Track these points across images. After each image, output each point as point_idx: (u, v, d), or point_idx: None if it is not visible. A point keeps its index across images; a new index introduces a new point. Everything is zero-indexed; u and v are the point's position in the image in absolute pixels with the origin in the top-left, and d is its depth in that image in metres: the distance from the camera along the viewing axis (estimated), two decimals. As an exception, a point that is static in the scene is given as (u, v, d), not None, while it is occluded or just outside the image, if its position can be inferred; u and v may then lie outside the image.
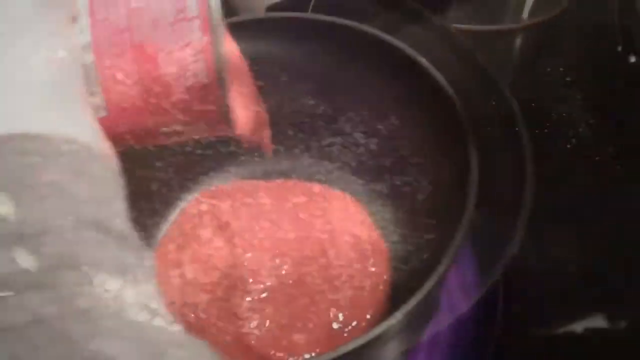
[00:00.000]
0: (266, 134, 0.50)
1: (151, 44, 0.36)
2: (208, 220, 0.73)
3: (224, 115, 0.38)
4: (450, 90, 0.55)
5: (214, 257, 0.68)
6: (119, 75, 0.36)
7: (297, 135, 0.74)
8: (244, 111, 0.44)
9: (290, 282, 0.66)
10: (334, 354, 0.44)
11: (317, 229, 0.70)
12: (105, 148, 0.35)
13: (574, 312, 0.65)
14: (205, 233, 0.71)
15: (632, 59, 0.84)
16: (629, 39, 0.85)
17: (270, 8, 0.88)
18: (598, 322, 0.64)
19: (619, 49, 0.85)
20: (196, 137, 0.41)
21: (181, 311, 0.64)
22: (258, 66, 0.60)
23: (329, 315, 0.64)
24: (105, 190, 0.34)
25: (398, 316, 0.44)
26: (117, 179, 0.35)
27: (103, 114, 0.37)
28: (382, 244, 0.70)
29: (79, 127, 0.34)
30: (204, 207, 0.74)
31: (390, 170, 0.70)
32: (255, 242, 0.69)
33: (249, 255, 0.68)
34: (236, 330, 0.63)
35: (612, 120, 0.78)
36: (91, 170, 0.33)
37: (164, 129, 0.39)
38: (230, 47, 0.44)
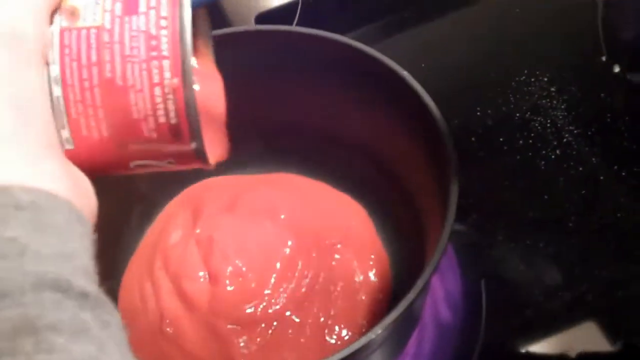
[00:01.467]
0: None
1: (121, 80, 0.35)
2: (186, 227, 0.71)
3: (198, 154, 0.37)
4: (430, 101, 0.55)
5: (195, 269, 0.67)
6: (88, 110, 0.35)
7: (274, 144, 0.74)
8: (218, 145, 0.43)
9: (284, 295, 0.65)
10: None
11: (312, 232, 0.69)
12: (77, 193, 0.34)
13: (556, 323, 0.65)
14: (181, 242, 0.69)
15: (617, 69, 0.84)
16: (613, 49, 0.86)
17: (260, 17, 0.89)
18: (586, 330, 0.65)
19: (604, 58, 0.85)
20: (168, 170, 0.40)
21: (162, 328, 0.63)
22: (242, 77, 0.61)
23: (324, 329, 0.63)
24: (71, 243, 0.31)
25: (377, 330, 0.44)
26: (85, 229, 0.33)
27: (69, 146, 0.36)
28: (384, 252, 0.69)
29: (42, 171, 0.33)
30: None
31: (371, 180, 0.70)
32: (241, 251, 0.67)
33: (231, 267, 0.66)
34: (224, 349, 0.62)
35: (596, 130, 0.78)
36: (55, 223, 0.31)
37: (134, 163, 0.38)
38: (208, 78, 0.43)
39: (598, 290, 0.67)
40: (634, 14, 0.90)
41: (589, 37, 0.88)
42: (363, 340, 0.44)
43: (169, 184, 0.73)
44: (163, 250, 0.67)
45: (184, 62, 0.35)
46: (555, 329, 0.65)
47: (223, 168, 0.71)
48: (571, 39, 0.89)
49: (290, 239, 0.67)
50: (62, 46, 0.35)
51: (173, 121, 0.35)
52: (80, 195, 0.34)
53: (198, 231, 0.68)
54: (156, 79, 0.35)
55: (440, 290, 0.68)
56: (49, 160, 0.33)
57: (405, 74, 0.57)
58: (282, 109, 0.69)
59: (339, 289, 0.64)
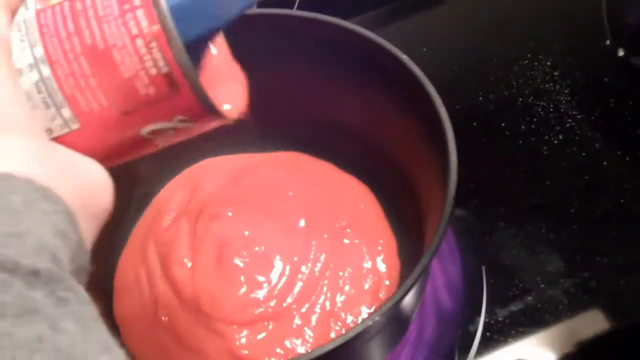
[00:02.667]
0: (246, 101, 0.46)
1: (102, 42, 0.35)
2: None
3: (205, 103, 0.36)
4: (429, 85, 0.55)
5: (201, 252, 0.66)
6: (80, 82, 0.35)
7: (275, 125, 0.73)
8: (234, 96, 0.43)
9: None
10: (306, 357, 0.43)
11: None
12: (51, 171, 0.33)
13: (558, 310, 0.65)
14: (185, 224, 0.67)
15: (621, 53, 0.84)
16: (618, 32, 0.85)
17: (262, 2, 0.88)
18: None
19: (608, 42, 0.85)
20: (188, 134, 0.39)
21: (157, 317, 0.62)
22: (241, 59, 0.61)
23: (330, 317, 0.61)
24: (27, 223, 0.30)
25: (374, 317, 0.44)
26: (55, 206, 0.32)
27: (75, 126, 0.36)
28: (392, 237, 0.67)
29: None
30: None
31: (373, 164, 0.69)
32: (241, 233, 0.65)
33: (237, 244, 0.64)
34: (225, 341, 0.60)
35: (600, 115, 0.78)
36: (9, 204, 0.30)
37: (145, 130, 0.37)
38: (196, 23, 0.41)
39: (600, 277, 0.66)
40: (638, -2, 0.90)
41: (592, 21, 0.87)
42: (358, 329, 0.43)
43: (168, 166, 0.72)
44: (156, 235, 0.66)
45: (157, 6, 0.34)
46: (558, 316, 0.64)
47: (222, 148, 0.73)
48: (575, 23, 0.88)
49: (303, 216, 0.66)
50: (40, 26, 0.36)
51: (164, 70, 0.35)
52: (61, 174, 0.34)
53: (194, 212, 0.67)
54: (135, 31, 0.34)
55: (441, 277, 0.67)
56: (7, 140, 0.33)
57: (404, 57, 0.56)
58: (281, 92, 0.68)
59: (347, 274, 0.63)
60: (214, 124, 0.40)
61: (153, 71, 0.35)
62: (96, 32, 0.35)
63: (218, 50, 0.43)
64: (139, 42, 0.34)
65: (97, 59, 0.35)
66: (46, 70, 0.35)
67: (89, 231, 0.35)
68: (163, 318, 0.61)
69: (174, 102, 0.36)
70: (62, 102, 0.36)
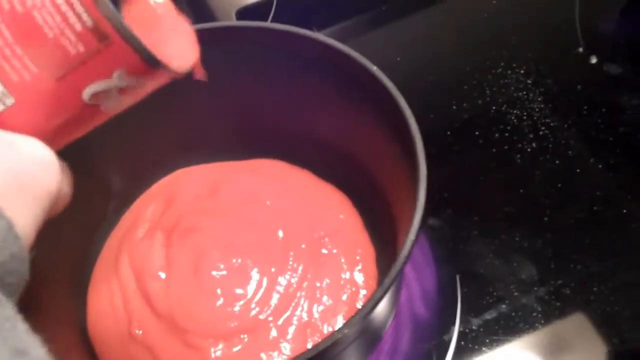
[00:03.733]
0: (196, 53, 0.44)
1: (20, 5, 0.33)
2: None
3: (141, 54, 0.34)
4: (398, 94, 0.55)
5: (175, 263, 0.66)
6: (5, 51, 0.33)
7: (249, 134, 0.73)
8: (177, 41, 0.41)
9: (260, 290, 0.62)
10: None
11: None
12: None
13: (532, 318, 0.65)
14: (159, 237, 0.67)
15: (593, 60, 0.84)
16: (590, 40, 0.86)
17: (240, 11, 0.88)
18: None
19: (580, 50, 0.85)
20: (134, 98, 0.37)
21: (130, 330, 0.61)
22: (213, 70, 0.61)
23: (307, 328, 0.61)
24: None
25: (343, 330, 0.44)
26: None
27: (10, 101, 0.34)
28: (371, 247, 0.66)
29: None
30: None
31: (347, 174, 0.69)
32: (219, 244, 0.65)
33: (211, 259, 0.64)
34: (201, 354, 0.59)
35: (573, 123, 0.78)
36: None
37: (86, 93, 0.35)
38: None
39: (574, 284, 0.66)
40: (611, 5, 0.90)
41: (565, 29, 0.88)
42: (327, 341, 0.43)
43: (142, 177, 0.72)
44: (129, 247, 0.66)
45: None
46: (532, 324, 0.64)
47: (196, 157, 0.73)
48: (548, 31, 0.89)
49: (281, 227, 0.66)
50: None
51: (89, 24, 0.33)
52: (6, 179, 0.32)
53: (169, 224, 0.66)
54: None
55: (416, 286, 0.67)
56: None
57: (374, 69, 0.56)
58: (255, 102, 0.68)
59: (324, 285, 0.62)
60: (161, 79, 0.38)
61: (78, 27, 0.33)
62: None
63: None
64: None
65: (18, 24, 0.33)
66: None
67: (29, 215, 0.34)
68: (137, 332, 0.61)
69: (107, 56, 0.34)
70: None
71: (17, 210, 0.32)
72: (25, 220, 0.33)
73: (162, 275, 0.63)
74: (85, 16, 0.33)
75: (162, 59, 0.36)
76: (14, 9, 0.33)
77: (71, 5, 0.33)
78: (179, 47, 0.40)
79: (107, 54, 0.34)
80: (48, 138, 0.35)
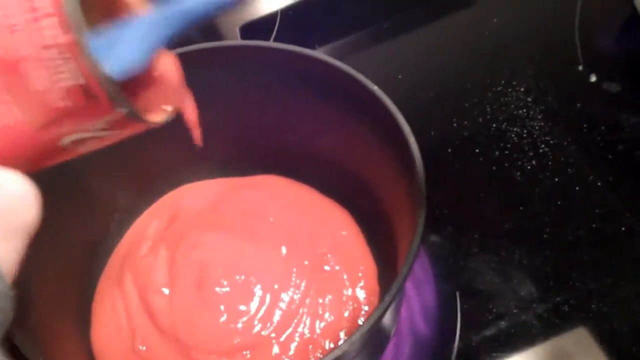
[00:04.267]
0: (192, 111, 0.43)
1: (10, 52, 0.31)
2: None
3: (127, 113, 0.34)
4: (398, 114, 0.55)
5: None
6: None
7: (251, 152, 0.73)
8: (164, 96, 0.39)
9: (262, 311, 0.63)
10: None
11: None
12: None
13: (531, 334, 0.65)
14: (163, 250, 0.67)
15: (593, 78, 0.85)
16: (590, 58, 0.87)
17: (244, 27, 0.89)
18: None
19: (580, 68, 0.86)
20: (110, 143, 0.37)
21: (134, 346, 0.61)
22: (215, 87, 0.61)
23: (309, 345, 0.61)
24: None
25: (343, 347, 0.44)
26: None
27: None
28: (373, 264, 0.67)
29: None
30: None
31: (349, 192, 0.69)
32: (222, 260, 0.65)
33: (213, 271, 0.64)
34: None
35: (572, 140, 0.79)
36: None
37: (65, 141, 0.35)
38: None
39: (573, 301, 0.67)
40: (610, 24, 0.91)
41: (565, 47, 0.89)
42: (328, 358, 0.44)
43: (146, 193, 0.73)
44: (133, 263, 0.66)
45: (67, 12, 0.31)
46: (531, 341, 0.65)
47: (200, 173, 0.73)
48: (548, 49, 0.89)
49: (284, 243, 0.66)
50: None
51: (80, 81, 0.32)
52: None
53: (172, 239, 0.67)
54: (45, 42, 0.31)
55: (417, 303, 0.68)
56: None
57: (375, 88, 0.57)
58: (256, 119, 0.69)
59: (327, 302, 0.63)
60: (139, 129, 0.37)
61: (68, 83, 0.32)
62: (5, 42, 0.31)
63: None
64: (50, 53, 0.31)
65: (4, 71, 0.32)
66: None
67: (12, 250, 0.33)
68: (140, 347, 0.61)
69: (93, 113, 0.34)
70: None
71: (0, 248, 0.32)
72: (9, 256, 0.33)
73: (166, 291, 0.63)
74: (76, 74, 0.32)
75: (148, 119, 0.36)
76: (3, 58, 0.32)
77: (64, 62, 0.32)
78: (166, 95, 0.40)
79: (94, 111, 0.33)
80: (25, 167, 0.35)
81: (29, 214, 0.34)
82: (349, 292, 0.64)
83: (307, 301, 0.63)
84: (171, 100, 0.40)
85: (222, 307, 0.62)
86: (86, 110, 0.33)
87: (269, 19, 0.90)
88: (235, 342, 0.60)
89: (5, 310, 0.31)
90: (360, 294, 0.63)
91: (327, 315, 0.62)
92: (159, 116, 0.38)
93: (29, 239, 0.35)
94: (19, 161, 0.34)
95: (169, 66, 0.39)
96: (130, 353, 0.61)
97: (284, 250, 0.66)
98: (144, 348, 0.61)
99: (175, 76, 0.40)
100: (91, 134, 0.35)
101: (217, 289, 0.63)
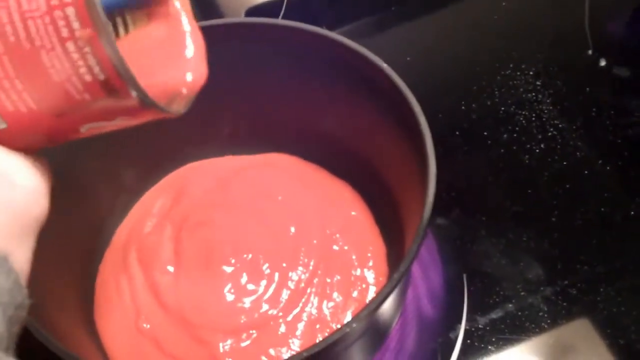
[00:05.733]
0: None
1: (27, 41, 0.30)
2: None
3: (146, 105, 0.33)
4: (408, 92, 0.55)
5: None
6: (4, 83, 0.31)
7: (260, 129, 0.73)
8: (179, 85, 0.39)
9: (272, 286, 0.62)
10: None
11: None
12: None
13: (538, 317, 0.65)
14: (167, 231, 0.66)
15: (602, 63, 0.84)
16: (600, 42, 0.86)
17: (250, 10, 0.89)
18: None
19: (590, 52, 0.85)
20: (123, 127, 0.36)
21: (138, 324, 0.61)
22: (226, 66, 0.61)
23: (316, 324, 0.60)
24: None
25: (351, 324, 0.44)
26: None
27: (2, 126, 0.32)
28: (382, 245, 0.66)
29: None
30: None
31: (357, 173, 0.69)
32: (230, 238, 0.65)
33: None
34: (209, 349, 0.59)
35: (581, 124, 0.78)
36: None
37: (83, 128, 0.34)
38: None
39: (580, 285, 0.66)
40: (620, 8, 0.90)
41: (575, 31, 0.88)
42: (335, 336, 0.43)
43: (151, 171, 0.72)
44: (137, 241, 0.66)
45: (90, 6, 0.29)
46: (538, 324, 0.64)
47: (207, 151, 0.73)
48: (557, 33, 0.89)
49: (292, 222, 0.66)
50: None
51: (100, 77, 0.31)
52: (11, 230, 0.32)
53: (178, 217, 0.66)
54: (65, 33, 0.30)
55: (423, 284, 0.67)
56: None
57: (385, 66, 0.56)
58: (267, 98, 0.68)
59: (335, 282, 0.62)
60: (157, 117, 0.36)
61: (88, 77, 0.31)
62: (20, 29, 0.30)
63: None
64: (70, 45, 0.30)
65: (22, 60, 0.31)
66: None
67: (24, 250, 0.33)
68: (145, 325, 0.61)
69: (113, 105, 0.33)
70: None
71: (15, 248, 0.32)
72: (24, 256, 0.33)
73: (171, 269, 0.63)
74: (97, 69, 0.31)
75: (168, 109, 0.35)
76: (19, 44, 0.31)
77: (84, 56, 0.30)
78: (188, 68, 0.39)
79: (114, 103, 0.32)
80: (35, 149, 0.35)
81: (40, 208, 0.34)
82: (358, 272, 0.63)
83: (315, 281, 0.62)
84: (189, 69, 0.39)
85: (229, 286, 0.62)
86: (106, 102, 0.32)
87: (276, 3, 0.89)
88: (241, 321, 0.60)
89: (21, 320, 0.31)
90: (369, 275, 0.63)
91: (335, 295, 0.62)
92: (177, 104, 0.37)
93: (38, 234, 0.35)
94: (29, 147, 0.34)
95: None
96: (134, 331, 0.61)
97: (292, 229, 0.65)
98: (149, 326, 0.60)
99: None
100: (111, 123, 0.34)
101: (224, 267, 0.62)
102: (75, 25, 0.30)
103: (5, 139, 0.33)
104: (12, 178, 0.33)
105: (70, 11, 0.30)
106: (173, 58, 0.40)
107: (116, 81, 0.31)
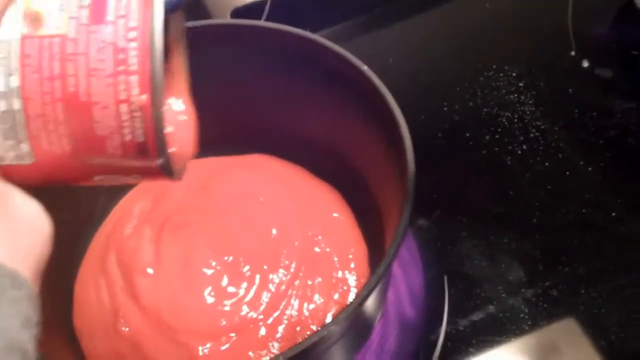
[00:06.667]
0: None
1: (85, 95, 0.33)
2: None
3: (165, 170, 0.36)
4: (389, 95, 0.55)
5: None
6: (49, 125, 0.34)
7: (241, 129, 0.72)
8: (183, 158, 0.42)
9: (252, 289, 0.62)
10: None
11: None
12: (12, 249, 0.33)
13: (519, 319, 0.65)
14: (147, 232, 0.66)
15: (585, 64, 0.85)
16: (582, 44, 0.86)
17: (235, 11, 0.89)
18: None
19: (573, 53, 0.85)
20: (132, 183, 0.40)
21: (117, 328, 0.61)
22: (208, 67, 0.61)
23: (296, 327, 0.60)
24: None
25: (329, 327, 0.44)
26: (22, 291, 0.32)
27: (30, 161, 0.35)
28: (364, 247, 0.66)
29: None
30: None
31: (338, 174, 0.69)
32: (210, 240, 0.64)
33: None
34: (188, 352, 0.59)
35: (564, 125, 0.78)
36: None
37: (97, 178, 0.37)
38: (179, 90, 0.43)
39: (561, 286, 0.67)
40: (604, 10, 0.91)
41: (558, 33, 0.88)
42: (313, 338, 0.43)
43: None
44: (117, 243, 0.65)
45: (153, 78, 0.33)
46: (519, 326, 0.64)
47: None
48: (540, 34, 0.89)
49: (274, 224, 0.65)
50: (23, 56, 0.33)
51: (139, 139, 0.34)
52: (21, 243, 0.33)
53: (158, 219, 0.66)
54: (123, 96, 0.33)
55: (404, 286, 0.67)
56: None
57: (365, 68, 0.56)
58: (245, 98, 0.68)
59: (316, 283, 0.62)
60: (159, 180, 0.39)
61: (128, 137, 0.34)
62: (82, 83, 0.33)
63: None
64: (124, 107, 0.33)
65: (74, 110, 0.33)
66: (17, 104, 0.33)
67: (35, 278, 0.34)
68: (124, 329, 0.60)
69: (137, 165, 0.35)
70: (24, 138, 0.34)
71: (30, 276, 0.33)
72: (36, 282, 0.34)
73: (150, 271, 0.62)
74: (139, 132, 0.34)
75: (180, 176, 0.39)
76: (77, 95, 0.33)
77: (132, 119, 0.33)
78: (182, 154, 0.42)
79: (138, 163, 0.35)
80: (40, 186, 0.36)
81: (48, 250, 0.36)
82: (339, 274, 0.63)
83: (296, 283, 0.62)
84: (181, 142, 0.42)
85: (209, 289, 0.61)
86: (132, 161, 0.35)
87: (259, 5, 0.89)
88: (221, 324, 0.59)
89: (37, 339, 0.32)
90: (351, 277, 0.63)
91: (316, 297, 0.61)
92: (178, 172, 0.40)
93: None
94: (48, 182, 0.36)
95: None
96: (113, 334, 0.60)
97: (274, 231, 0.65)
98: (127, 329, 0.60)
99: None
100: (123, 178, 0.37)
101: (205, 269, 0.62)
102: (135, 91, 0.33)
103: (23, 174, 0.35)
104: (37, 224, 0.35)
105: (134, 78, 0.33)
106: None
107: (151, 146, 0.34)
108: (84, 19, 0.33)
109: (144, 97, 0.33)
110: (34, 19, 0.34)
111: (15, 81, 0.33)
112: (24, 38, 0.33)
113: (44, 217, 0.35)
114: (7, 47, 0.33)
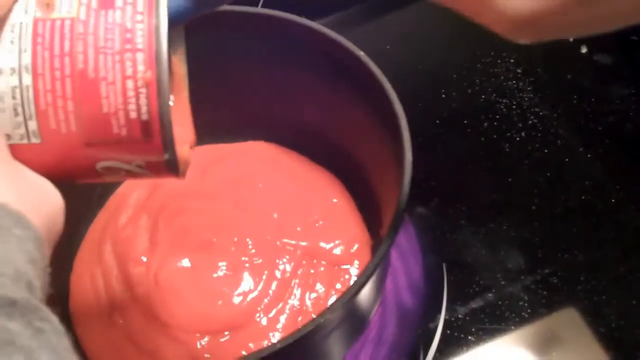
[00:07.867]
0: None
1: (93, 71, 0.35)
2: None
3: (169, 159, 0.37)
4: (386, 81, 0.54)
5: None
6: (58, 101, 0.35)
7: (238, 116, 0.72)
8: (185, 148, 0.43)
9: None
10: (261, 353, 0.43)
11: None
12: (20, 196, 0.34)
13: (518, 306, 0.65)
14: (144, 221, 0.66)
15: (584, 50, 0.84)
16: (581, 30, 0.85)
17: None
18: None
19: (571, 39, 0.85)
20: (136, 177, 0.40)
21: (112, 319, 0.60)
22: (205, 53, 0.60)
23: (298, 316, 0.59)
24: (1, 252, 0.31)
25: (326, 314, 0.44)
26: (26, 232, 0.32)
27: (36, 140, 0.36)
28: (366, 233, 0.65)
29: None
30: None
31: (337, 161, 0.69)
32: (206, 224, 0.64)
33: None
34: (185, 345, 0.58)
35: (562, 112, 0.78)
36: None
37: (101, 165, 0.38)
38: (178, 77, 0.44)
39: (561, 273, 0.66)
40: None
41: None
42: (310, 325, 0.43)
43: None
44: (112, 232, 0.65)
45: (158, 55, 0.35)
46: (518, 313, 0.64)
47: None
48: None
49: (275, 210, 0.65)
50: (35, 35, 0.35)
51: (144, 117, 0.35)
52: (29, 198, 0.34)
53: (155, 207, 0.65)
54: (129, 72, 0.35)
55: (402, 274, 0.67)
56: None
57: (361, 54, 0.56)
58: (242, 86, 0.68)
59: (319, 271, 0.62)
60: (162, 177, 0.40)
61: (133, 115, 0.35)
62: (90, 60, 0.35)
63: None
64: (130, 83, 0.35)
65: (82, 86, 0.35)
66: (27, 79, 0.35)
67: (48, 255, 0.35)
68: (119, 321, 0.60)
69: (140, 149, 0.37)
70: (32, 114, 0.35)
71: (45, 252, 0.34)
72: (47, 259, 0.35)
73: (144, 259, 0.62)
74: (144, 110, 0.35)
75: (182, 171, 0.40)
76: (85, 71, 0.35)
77: (137, 95, 0.35)
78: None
79: (141, 147, 0.36)
80: (52, 175, 0.37)
81: (61, 224, 0.38)
82: (341, 262, 0.63)
83: (299, 272, 0.61)
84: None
85: (207, 277, 0.61)
86: (135, 144, 0.36)
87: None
88: (221, 315, 0.59)
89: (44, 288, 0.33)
90: (352, 266, 0.62)
91: (318, 286, 0.61)
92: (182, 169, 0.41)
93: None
94: (47, 172, 0.37)
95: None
96: (108, 324, 0.60)
97: (275, 216, 0.64)
98: (122, 321, 0.60)
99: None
100: (126, 167, 0.38)
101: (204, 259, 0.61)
102: (141, 67, 0.35)
103: (30, 156, 0.36)
104: (47, 191, 0.36)
105: (140, 55, 0.35)
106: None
107: (155, 124, 0.35)
108: (94, 5, 0.35)
109: (149, 74, 0.35)
110: (47, 4, 0.36)
111: (27, 58, 0.35)
112: (36, 21, 0.35)
113: (55, 189, 0.37)
114: (22, 28, 0.35)
